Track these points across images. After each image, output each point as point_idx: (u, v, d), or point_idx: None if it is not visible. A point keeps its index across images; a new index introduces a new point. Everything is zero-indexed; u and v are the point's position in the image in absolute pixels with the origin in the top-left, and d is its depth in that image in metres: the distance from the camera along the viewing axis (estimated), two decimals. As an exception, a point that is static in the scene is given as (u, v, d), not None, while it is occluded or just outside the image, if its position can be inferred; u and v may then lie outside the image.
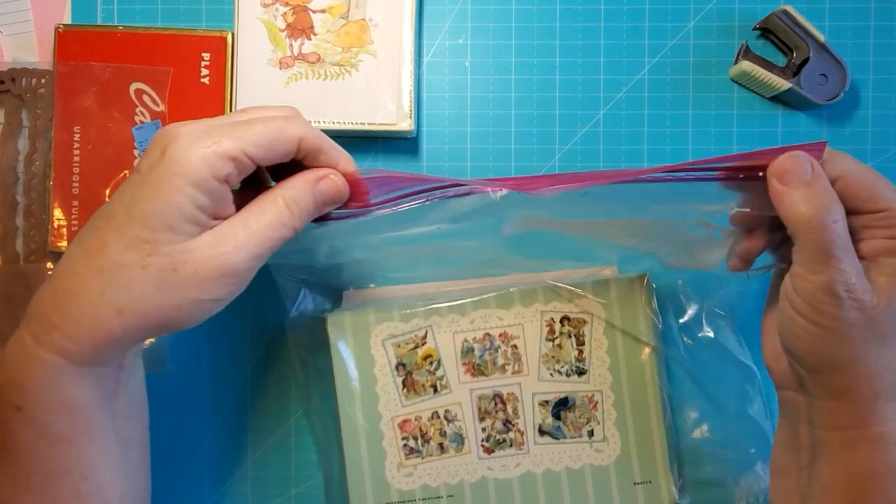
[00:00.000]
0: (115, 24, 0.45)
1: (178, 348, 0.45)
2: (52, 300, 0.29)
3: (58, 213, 0.43)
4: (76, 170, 0.43)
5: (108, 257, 0.28)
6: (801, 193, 0.30)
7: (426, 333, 0.41)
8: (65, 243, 0.43)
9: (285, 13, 0.43)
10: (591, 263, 0.43)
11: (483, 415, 0.41)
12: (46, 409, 0.29)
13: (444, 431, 0.41)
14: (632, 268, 0.43)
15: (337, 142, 0.45)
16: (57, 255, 0.43)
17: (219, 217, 0.30)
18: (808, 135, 0.45)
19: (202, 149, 0.28)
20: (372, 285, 0.43)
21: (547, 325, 0.42)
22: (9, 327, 0.43)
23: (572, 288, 0.41)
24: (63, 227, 0.43)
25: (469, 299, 0.42)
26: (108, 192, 0.43)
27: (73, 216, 0.43)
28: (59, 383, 0.29)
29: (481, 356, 0.41)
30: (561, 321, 0.42)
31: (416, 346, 0.41)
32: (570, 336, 0.42)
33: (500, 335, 0.42)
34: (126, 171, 0.43)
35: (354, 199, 0.33)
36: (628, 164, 0.45)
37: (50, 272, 0.43)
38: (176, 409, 0.45)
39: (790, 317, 0.31)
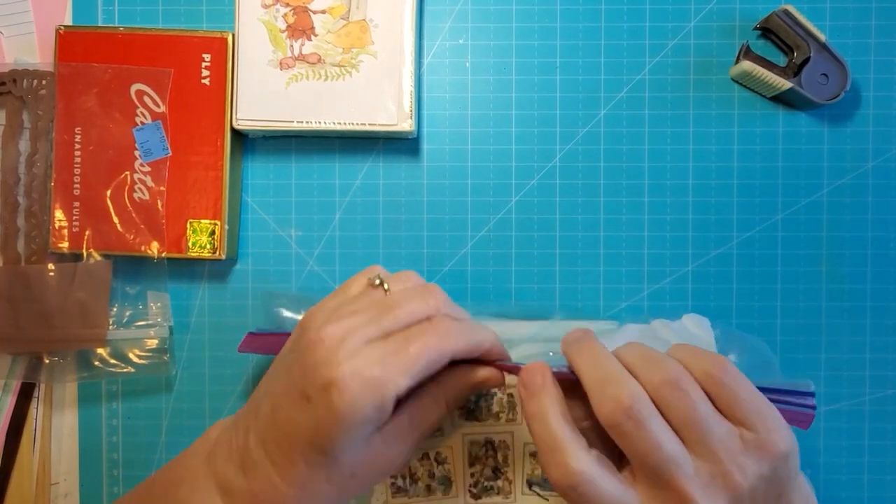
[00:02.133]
0: (116, 25, 0.45)
1: (180, 350, 0.45)
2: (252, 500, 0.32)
3: (59, 214, 0.43)
4: (77, 171, 0.43)
5: (307, 489, 0.31)
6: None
7: None
8: (66, 244, 0.43)
9: (286, 14, 0.43)
10: (591, 318, 0.43)
11: (473, 460, 0.41)
12: None
13: (433, 473, 0.41)
14: (629, 320, 0.43)
15: (337, 142, 0.45)
16: (58, 256, 0.43)
17: (386, 419, 0.31)
18: (809, 134, 0.45)
19: (372, 398, 0.29)
20: None
21: None
22: (10, 329, 0.43)
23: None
24: (64, 228, 0.43)
25: None
26: (108, 192, 0.43)
27: (75, 217, 0.43)
28: None
29: (476, 401, 0.41)
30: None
31: None
32: None
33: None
34: (127, 172, 0.43)
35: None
36: (629, 163, 0.45)
37: (51, 273, 0.43)
38: (177, 410, 0.45)
39: None
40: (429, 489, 0.41)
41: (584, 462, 0.29)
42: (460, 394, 0.34)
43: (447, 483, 0.41)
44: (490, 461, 0.41)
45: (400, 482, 0.41)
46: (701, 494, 0.28)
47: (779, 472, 0.29)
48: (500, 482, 0.41)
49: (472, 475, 0.41)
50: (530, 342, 0.41)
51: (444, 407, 0.34)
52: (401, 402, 0.32)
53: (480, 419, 0.41)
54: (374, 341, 0.30)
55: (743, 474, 0.29)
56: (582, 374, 0.31)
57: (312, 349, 0.30)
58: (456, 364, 0.34)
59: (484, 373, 0.35)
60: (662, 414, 0.29)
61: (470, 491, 0.41)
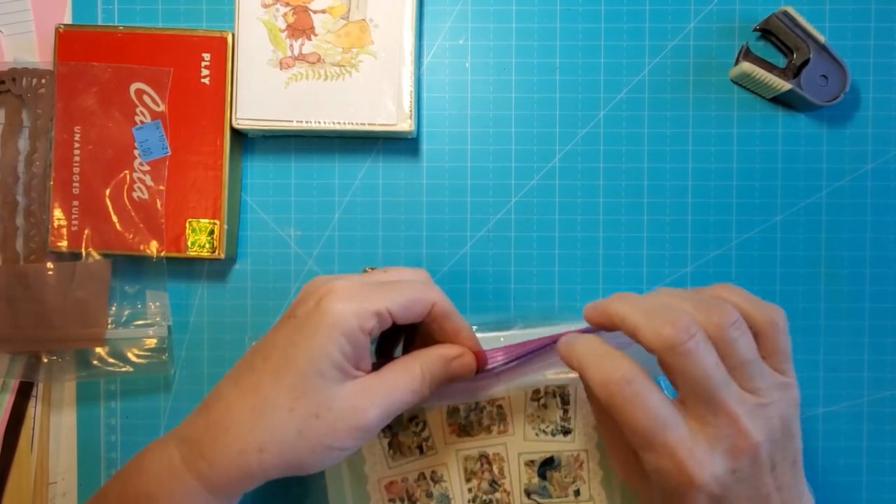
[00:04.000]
0: (116, 24, 0.45)
1: (179, 349, 0.45)
2: (206, 431, 0.32)
3: (58, 213, 0.43)
4: (76, 170, 0.43)
5: (262, 398, 0.31)
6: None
7: None
8: (65, 243, 0.43)
9: (286, 13, 0.43)
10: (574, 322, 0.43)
11: (469, 475, 0.41)
12: None
13: (431, 493, 0.41)
14: None
15: (337, 142, 0.45)
16: (57, 255, 0.43)
17: (358, 367, 0.33)
18: (808, 136, 0.45)
19: (354, 304, 0.32)
20: None
21: (531, 386, 0.41)
22: (8, 328, 0.43)
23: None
24: (63, 227, 0.43)
25: None
26: (108, 191, 0.43)
27: (74, 216, 0.43)
28: None
29: (466, 416, 0.41)
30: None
31: None
32: (554, 395, 0.41)
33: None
34: (127, 172, 0.43)
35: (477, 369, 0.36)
36: (629, 164, 0.45)
37: (50, 272, 0.43)
38: (176, 410, 0.45)
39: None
40: None
41: (636, 369, 0.30)
42: (435, 368, 0.34)
43: (446, 501, 0.41)
44: (486, 475, 0.41)
45: None
46: (748, 418, 0.29)
47: (794, 419, 0.31)
48: (498, 494, 0.41)
49: (470, 490, 0.41)
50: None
51: (417, 374, 0.33)
52: (376, 366, 0.34)
53: (472, 434, 0.41)
54: (367, 286, 0.33)
55: (777, 409, 0.30)
56: (626, 314, 0.31)
57: (309, 289, 0.33)
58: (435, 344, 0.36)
59: (457, 351, 0.35)
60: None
61: None
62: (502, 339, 0.40)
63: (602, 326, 0.34)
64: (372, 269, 0.38)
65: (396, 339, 0.39)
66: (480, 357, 0.36)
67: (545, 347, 0.37)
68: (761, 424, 0.29)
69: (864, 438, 0.44)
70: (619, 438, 0.33)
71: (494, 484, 0.41)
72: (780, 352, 0.32)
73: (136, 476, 0.33)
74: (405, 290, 0.33)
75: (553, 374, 0.39)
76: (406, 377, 0.33)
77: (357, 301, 0.32)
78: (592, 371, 0.31)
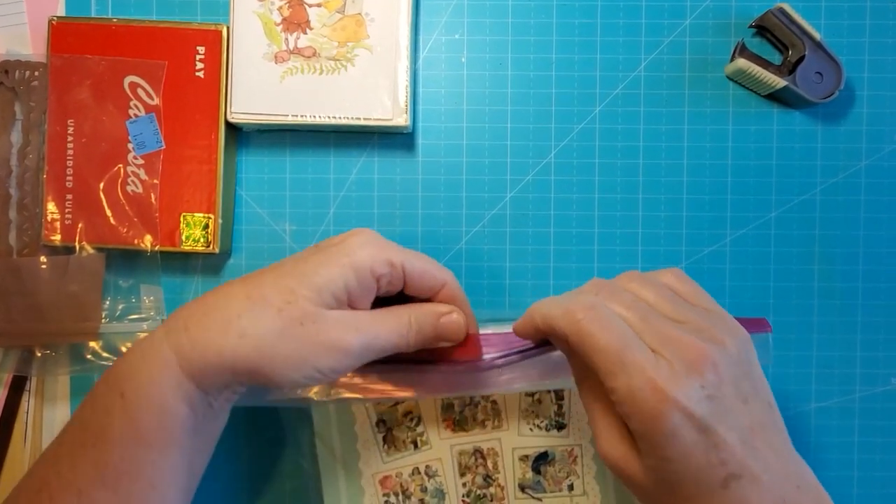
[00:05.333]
0: (110, 16, 0.44)
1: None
2: (197, 308, 0.33)
3: (51, 206, 0.43)
4: (70, 163, 0.43)
5: (259, 290, 0.32)
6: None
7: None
8: (58, 237, 0.43)
9: (281, 7, 0.42)
10: None
11: (464, 470, 0.41)
12: (144, 404, 0.31)
13: (425, 487, 0.41)
14: None
15: (332, 137, 0.45)
16: (50, 249, 0.43)
17: (354, 307, 0.34)
18: (803, 133, 0.45)
19: (374, 248, 0.33)
20: None
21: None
22: (1, 322, 0.42)
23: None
24: (56, 220, 0.43)
25: None
26: (101, 185, 0.43)
27: (67, 209, 0.43)
28: (163, 382, 0.31)
29: (461, 412, 0.41)
30: None
31: (397, 403, 0.41)
32: (549, 391, 0.41)
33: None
34: (120, 165, 0.43)
35: (468, 352, 0.37)
36: (624, 160, 0.45)
37: (44, 266, 0.42)
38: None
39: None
40: (422, 503, 0.41)
41: (598, 300, 0.31)
42: (424, 320, 0.35)
43: (440, 495, 0.41)
44: (480, 469, 0.41)
45: (393, 499, 0.41)
46: (692, 335, 0.29)
47: (749, 353, 0.31)
48: (492, 489, 0.41)
49: (464, 485, 0.41)
50: None
51: (406, 321, 0.34)
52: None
53: (467, 429, 0.41)
54: (391, 242, 0.35)
55: (720, 334, 0.30)
56: (543, 308, 0.33)
57: (336, 235, 0.35)
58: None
59: (447, 309, 0.36)
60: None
61: (463, 501, 0.41)
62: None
63: (530, 335, 0.34)
64: None
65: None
66: (475, 344, 0.36)
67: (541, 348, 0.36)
68: (712, 343, 0.29)
69: (855, 434, 0.45)
70: (603, 406, 0.32)
71: (489, 478, 0.41)
72: (702, 298, 0.33)
73: (122, 357, 0.33)
74: (423, 259, 0.35)
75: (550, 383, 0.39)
76: (395, 321, 0.34)
77: (378, 246, 0.33)
78: (556, 311, 0.31)
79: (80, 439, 0.32)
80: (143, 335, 0.33)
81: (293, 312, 0.32)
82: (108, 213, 0.43)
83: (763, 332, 0.37)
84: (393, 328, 0.34)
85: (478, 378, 0.38)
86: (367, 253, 0.33)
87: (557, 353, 0.36)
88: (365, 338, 0.33)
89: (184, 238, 0.43)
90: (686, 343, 0.29)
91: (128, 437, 0.31)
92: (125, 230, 0.43)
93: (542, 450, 0.41)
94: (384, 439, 0.41)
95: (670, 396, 0.28)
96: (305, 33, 0.43)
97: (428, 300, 0.36)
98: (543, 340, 0.34)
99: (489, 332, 0.38)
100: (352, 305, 0.33)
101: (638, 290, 0.32)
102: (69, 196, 0.43)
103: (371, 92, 0.42)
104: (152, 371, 0.31)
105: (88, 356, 0.43)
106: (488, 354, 0.37)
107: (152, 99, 0.43)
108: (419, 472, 0.41)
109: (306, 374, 0.32)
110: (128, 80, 0.43)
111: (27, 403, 0.45)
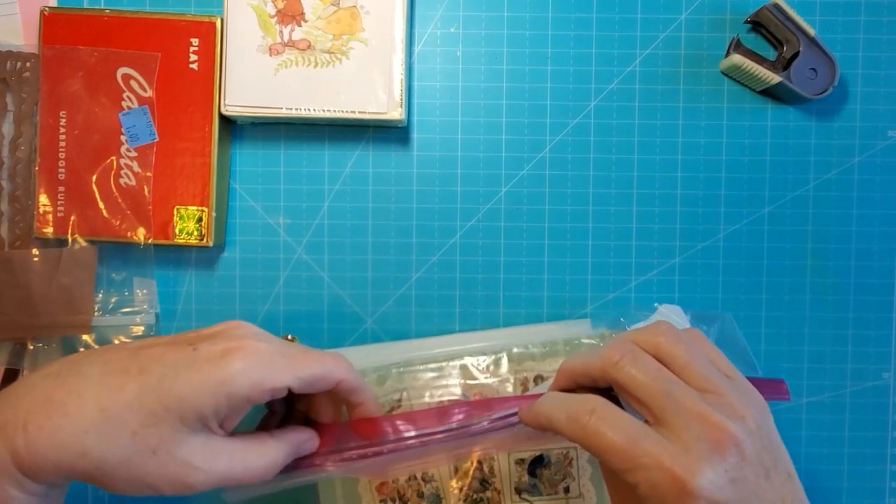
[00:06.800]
0: (102, 7, 0.44)
1: (166, 336, 0.45)
2: (43, 405, 0.29)
3: (43, 198, 0.42)
4: (62, 155, 0.42)
5: (116, 406, 0.29)
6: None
7: (401, 396, 0.41)
8: (50, 229, 0.42)
9: (276, -1, 0.42)
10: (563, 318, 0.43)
11: (460, 475, 0.41)
12: None
13: (422, 492, 0.41)
14: (603, 322, 0.43)
15: (327, 130, 0.45)
16: (43, 242, 0.43)
17: (222, 426, 0.31)
18: (797, 129, 0.45)
19: (256, 374, 0.30)
20: (346, 344, 0.44)
21: (521, 385, 0.41)
22: (-7, 314, 0.42)
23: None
24: (49, 212, 0.42)
25: (443, 362, 0.41)
26: (94, 177, 0.42)
27: (59, 202, 0.42)
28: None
29: None
30: (535, 380, 0.41)
31: (392, 409, 0.41)
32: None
33: (475, 395, 0.41)
34: (113, 157, 0.42)
35: (369, 435, 0.35)
36: (619, 155, 0.45)
37: (36, 258, 0.42)
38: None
39: None
40: None
41: (599, 399, 0.31)
42: (288, 454, 0.34)
43: (437, 501, 0.41)
44: (477, 474, 0.41)
45: None
46: (716, 412, 0.29)
47: (769, 425, 0.30)
48: (488, 493, 0.41)
49: (461, 489, 0.41)
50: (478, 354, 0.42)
51: (262, 466, 0.32)
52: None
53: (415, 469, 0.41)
54: (278, 355, 0.32)
55: (745, 409, 0.29)
56: (575, 361, 0.33)
57: (225, 332, 0.32)
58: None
59: (308, 435, 0.35)
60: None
61: None
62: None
63: (566, 388, 0.34)
64: (293, 338, 0.39)
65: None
66: (374, 422, 0.35)
67: (496, 423, 0.35)
68: (734, 419, 0.29)
69: (846, 428, 0.45)
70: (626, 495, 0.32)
71: (485, 483, 0.41)
72: (719, 357, 0.33)
73: None
74: (312, 364, 0.32)
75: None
76: (254, 458, 0.32)
77: (260, 372, 0.30)
78: (559, 415, 0.31)
79: None
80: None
81: (149, 440, 0.29)
82: (101, 205, 0.42)
83: (780, 399, 0.36)
84: (249, 467, 0.32)
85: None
86: (246, 382, 0.30)
87: None
88: (211, 478, 0.31)
89: (177, 231, 0.43)
90: (711, 422, 0.28)
91: None
92: (118, 223, 0.42)
93: (538, 453, 0.41)
94: None
95: (691, 486, 0.27)
96: (300, 25, 0.42)
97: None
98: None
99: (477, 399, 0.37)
100: (220, 424, 0.31)
101: (670, 349, 0.31)
102: (61, 188, 0.42)
103: (366, 85, 0.42)
104: None
105: (81, 349, 0.43)
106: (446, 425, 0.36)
107: (145, 91, 0.43)
108: (415, 478, 0.41)
109: (146, 493, 0.30)
110: (121, 71, 0.42)
111: (19, 396, 0.45)
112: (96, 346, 0.43)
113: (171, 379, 0.30)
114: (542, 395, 0.34)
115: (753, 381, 0.33)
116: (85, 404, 0.29)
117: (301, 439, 0.35)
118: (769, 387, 0.36)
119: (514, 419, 0.34)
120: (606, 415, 0.30)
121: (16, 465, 0.29)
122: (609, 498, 0.41)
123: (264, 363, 0.31)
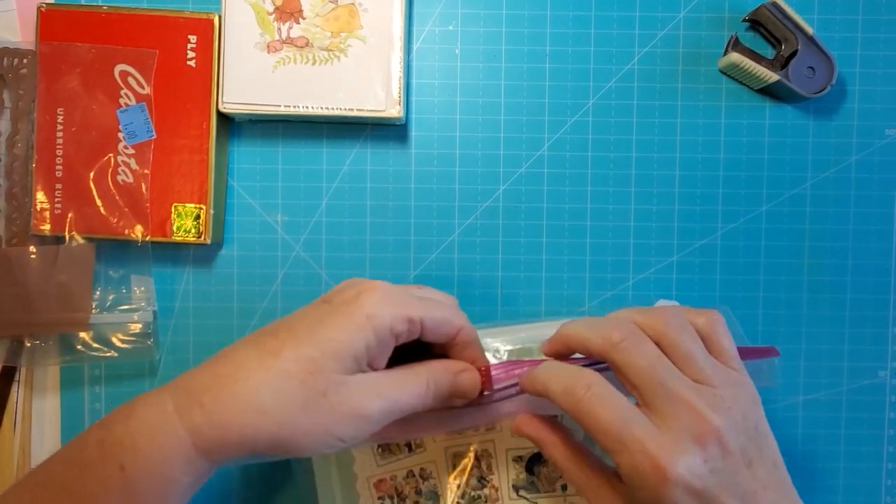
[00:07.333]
0: (100, 3, 0.44)
1: (164, 334, 0.45)
2: (212, 381, 0.31)
3: (40, 196, 0.42)
4: (59, 152, 0.42)
5: (279, 364, 0.31)
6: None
7: None
8: (48, 226, 0.42)
9: (274, -4, 0.42)
10: (560, 317, 0.43)
11: (458, 472, 0.41)
12: (148, 478, 0.29)
13: (420, 490, 0.41)
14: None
15: (325, 128, 0.45)
16: (40, 239, 0.43)
17: (373, 365, 0.33)
18: (795, 127, 0.45)
19: (392, 305, 0.32)
20: None
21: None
22: (-9, 311, 0.42)
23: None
24: (46, 210, 0.42)
25: None
26: (91, 175, 0.42)
27: (57, 199, 0.42)
28: (174, 460, 0.30)
29: None
30: None
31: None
32: None
33: None
34: (111, 155, 0.42)
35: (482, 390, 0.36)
36: (616, 153, 0.45)
37: (33, 256, 0.42)
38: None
39: None
40: None
41: (596, 375, 0.32)
42: (441, 378, 0.34)
43: (435, 498, 0.41)
44: (474, 471, 0.41)
45: (387, 502, 0.41)
46: (705, 405, 0.30)
47: (758, 416, 0.32)
48: (486, 490, 0.41)
49: (458, 486, 0.41)
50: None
51: (423, 383, 0.34)
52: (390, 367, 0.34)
53: (461, 431, 0.41)
54: (406, 294, 0.34)
55: (734, 401, 0.31)
56: (575, 330, 0.33)
57: (349, 284, 0.34)
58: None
59: (462, 366, 0.35)
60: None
61: (458, 503, 0.41)
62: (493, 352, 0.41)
63: (560, 352, 0.35)
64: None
65: (410, 355, 0.38)
66: (486, 381, 0.36)
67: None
68: (720, 411, 0.30)
69: (842, 426, 0.45)
70: (592, 478, 0.33)
71: (483, 480, 0.41)
72: (725, 350, 0.33)
73: (121, 424, 0.30)
74: (440, 309, 0.34)
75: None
76: (413, 383, 0.33)
77: (396, 304, 0.32)
78: (555, 384, 0.32)
79: None
80: (143, 401, 0.31)
81: (317, 384, 0.31)
82: (99, 202, 0.42)
83: (771, 357, 0.37)
84: (412, 391, 0.33)
85: (477, 413, 0.38)
86: (387, 312, 0.32)
87: None
88: (385, 402, 0.32)
89: (175, 228, 0.43)
90: (697, 414, 0.30)
91: None
92: (116, 220, 0.42)
93: (536, 450, 0.41)
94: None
95: (671, 474, 0.29)
96: (298, 23, 0.42)
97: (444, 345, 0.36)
98: None
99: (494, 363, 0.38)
100: (370, 364, 0.33)
101: (674, 338, 0.32)
102: (59, 185, 0.42)
103: (364, 83, 0.42)
104: (163, 449, 0.30)
105: (78, 347, 0.43)
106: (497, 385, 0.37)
107: (143, 88, 0.42)
108: (413, 475, 0.41)
109: (328, 444, 0.31)
110: (118, 68, 0.42)
111: (16, 394, 0.45)
112: (94, 344, 0.43)
113: (320, 327, 0.31)
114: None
115: (748, 349, 0.34)
116: (249, 370, 0.31)
117: (460, 367, 0.35)
118: (763, 351, 0.37)
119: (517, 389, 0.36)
120: (601, 393, 0.31)
121: (196, 446, 0.30)
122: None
123: (398, 298, 0.33)
